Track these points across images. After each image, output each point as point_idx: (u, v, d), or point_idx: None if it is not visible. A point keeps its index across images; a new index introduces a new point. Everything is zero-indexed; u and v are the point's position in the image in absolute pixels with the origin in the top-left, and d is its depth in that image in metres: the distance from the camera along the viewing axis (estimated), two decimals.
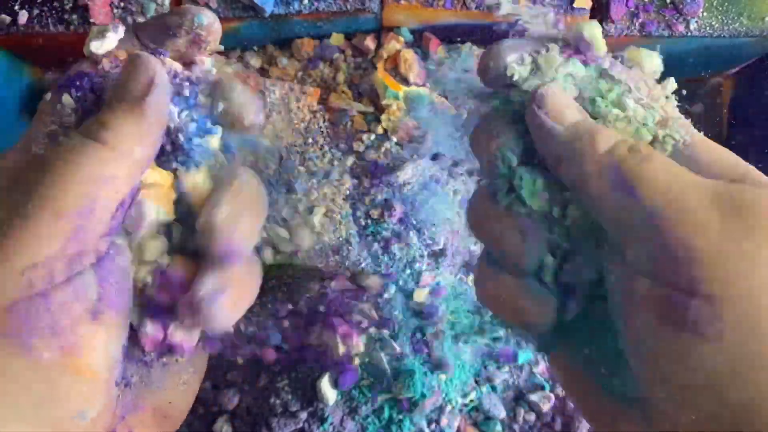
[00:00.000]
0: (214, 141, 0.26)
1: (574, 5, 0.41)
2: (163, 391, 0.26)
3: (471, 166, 0.44)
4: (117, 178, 0.22)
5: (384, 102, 0.43)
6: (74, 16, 0.39)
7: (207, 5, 0.40)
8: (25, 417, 0.20)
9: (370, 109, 0.43)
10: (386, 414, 0.41)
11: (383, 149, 0.43)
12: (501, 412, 0.43)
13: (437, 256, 0.42)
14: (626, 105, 0.25)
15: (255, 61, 0.45)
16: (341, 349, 0.41)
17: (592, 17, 0.41)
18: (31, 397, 0.20)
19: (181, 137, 0.24)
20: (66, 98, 0.24)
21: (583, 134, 0.23)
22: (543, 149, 0.25)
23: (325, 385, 0.40)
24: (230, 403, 0.42)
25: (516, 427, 0.43)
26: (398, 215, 0.42)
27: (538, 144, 0.25)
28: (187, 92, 0.25)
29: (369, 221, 0.42)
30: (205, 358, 0.29)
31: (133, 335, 0.25)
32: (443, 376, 0.42)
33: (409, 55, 0.43)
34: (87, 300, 0.21)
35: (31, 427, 0.20)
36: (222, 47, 0.28)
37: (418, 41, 0.45)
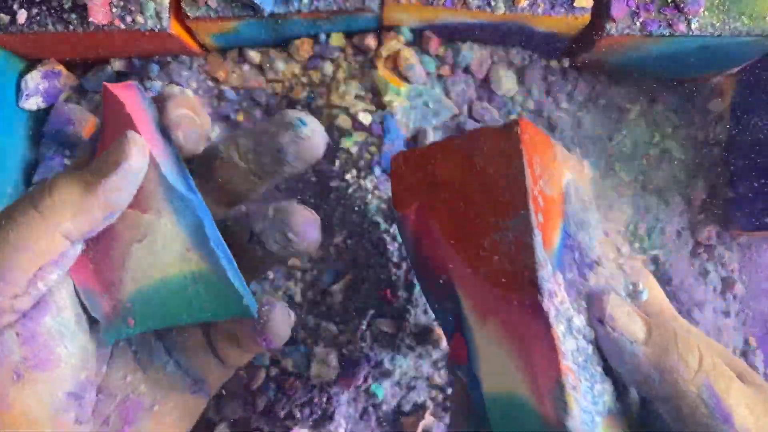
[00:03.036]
0: None
1: (575, 4, 0.40)
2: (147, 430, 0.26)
3: None
4: (37, 246, 0.22)
5: (386, 99, 0.42)
6: (73, 16, 0.39)
7: (206, 4, 0.40)
8: None
9: (372, 107, 0.43)
10: None
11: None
12: None
13: None
14: None
15: (254, 55, 0.45)
16: None
17: (592, 16, 0.41)
18: None
19: None
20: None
21: (670, 350, 0.25)
22: (623, 369, 0.26)
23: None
24: (233, 414, 0.41)
25: None
26: None
27: (617, 364, 0.26)
28: None
29: None
30: (199, 411, 0.29)
31: (111, 372, 0.25)
32: None
33: (410, 54, 0.43)
34: (8, 361, 0.22)
35: None
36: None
37: (419, 40, 0.45)
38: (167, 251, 0.25)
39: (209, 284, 0.25)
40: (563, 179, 0.28)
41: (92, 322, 0.25)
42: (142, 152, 0.23)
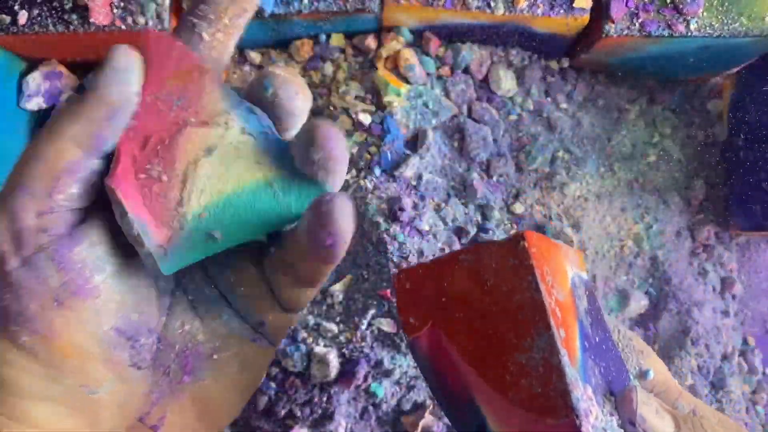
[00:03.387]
0: None
1: (574, 5, 0.41)
2: (206, 384, 0.26)
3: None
4: (47, 155, 0.23)
5: (386, 99, 0.43)
6: (74, 16, 0.39)
7: None
8: (42, 395, 0.22)
9: (372, 108, 0.43)
10: None
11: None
12: None
13: None
14: None
15: (254, 56, 0.45)
16: None
17: (592, 17, 0.41)
18: (35, 378, 0.22)
19: None
20: None
21: None
22: None
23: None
24: None
25: None
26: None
27: None
28: None
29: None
30: (263, 362, 0.29)
31: (170, 321, 0.25)
32: None
33: (409, 55, 0.43)
34: (46, 286, 0.22)
35: (52, 405, 0.22)
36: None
37: (418, 41, 0.45)
38: (239, 161, 0.25)
39: (285, 186, 0.25)
40: (568, 276, 0.28)
41: (148, 265, 0.25)
42: (125, 52, 0.24)
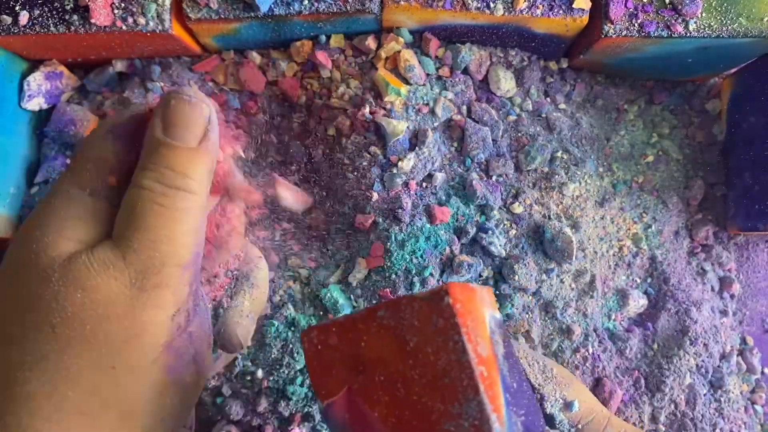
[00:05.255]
0: None
1: (573, 6, 0.41)
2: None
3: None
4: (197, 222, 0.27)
5: (386, 99, 0.43)
6: (75, 17, 0.39)
7: (207, 5, 0.40)
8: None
9: (372, 108, 0.43)
10: None
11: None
12: None
13: None
14: None
15: (255, 57, 0.45)
16: None
17: (591, 18, 0.41)
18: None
19: None
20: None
21: None
22: None
23: None
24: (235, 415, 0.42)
25: None
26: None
27: None
28: None
29: None
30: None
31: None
32: None
33: (409, 55, 0.43)
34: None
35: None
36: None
37: (418, 41, 0.45)
38: None
39: None
40: (486, 323, 0.26)
41: None
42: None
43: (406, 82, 0.43)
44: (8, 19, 0.39)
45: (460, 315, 0.23)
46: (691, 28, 0.41)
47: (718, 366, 0.46)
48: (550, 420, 0.31)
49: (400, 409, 0.24)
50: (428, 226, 0.43)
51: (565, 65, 0.47)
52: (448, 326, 0.23)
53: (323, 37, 0.44)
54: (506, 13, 0.41)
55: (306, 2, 0.40)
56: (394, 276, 0.42)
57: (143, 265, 0.25)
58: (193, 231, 0.26)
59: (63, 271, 0.24)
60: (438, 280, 0.42)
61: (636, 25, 0.41)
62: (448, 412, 0.23)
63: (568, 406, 0.30)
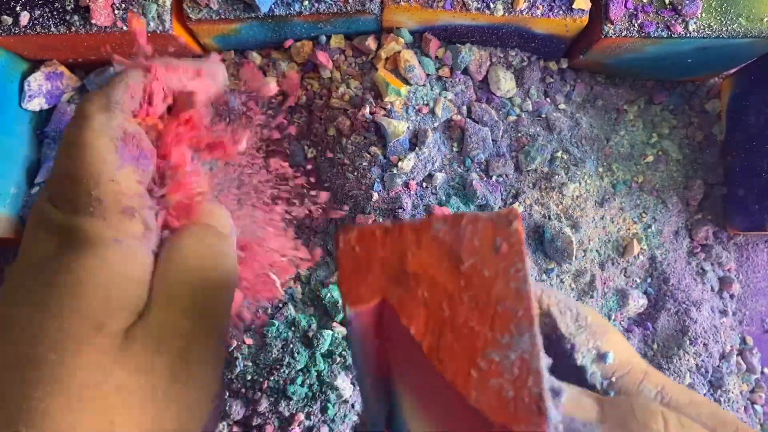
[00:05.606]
0: None
1: (573, 6, 0.41)
2: None
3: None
4: None
5: (386, 99, 0.43)
6: (75, 17, 0.39)
7: (208, 6, 0.40)
8: None
9: (372, 109, 0.43)
10: None
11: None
12: None
13: None
14: None
15: (255, 57, 0.45)
16: None
17: (591, 18, 0.41)
18: None
19: None
20: None
21: (628, 421, 0.25)
22: None
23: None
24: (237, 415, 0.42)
25: None
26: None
27: None
28: None
29: None
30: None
31: None
32: None
33: (409, 56, 0.43)
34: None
35: None
36: None
37: (418, 42, 0.45)
38: None
39: None
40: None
41: None
42: None
43: (406, 82, 0.44)
44: (9, 20, 0.39)
45: (524, 242, 0.23)
46: (690, 28, 0.41)
47: (718, 366, 0.46)
48: (579, 372, 0.29)
49: (441, 329, 0.23)
50: None
51: (565, 65, 0.47)
52: (513, 252, 0.22)
53: (323, 38, 0.44)
54: (506, 14, 0.41)
55: (306, 3, 0.40)
56: None
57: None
58: None
59: None
60: None
61: (636, 25, 0.41)
62: (496, 341, 0.22)
63: (601, 357, 0.28)
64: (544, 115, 0.47)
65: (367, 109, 0.43)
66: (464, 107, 0.45)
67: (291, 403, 0.41)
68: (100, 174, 0.26)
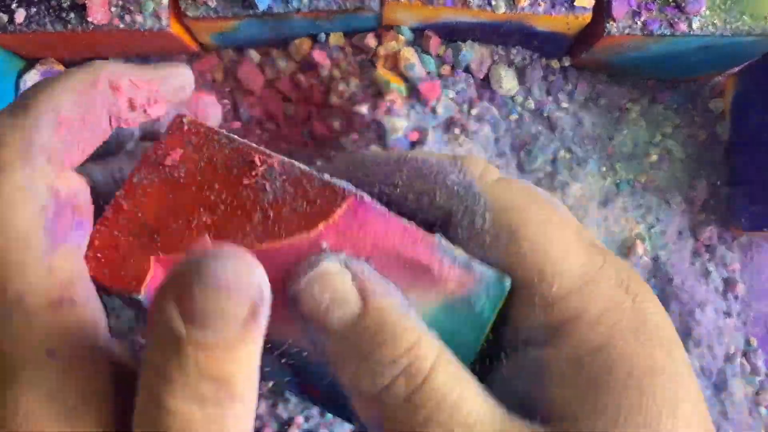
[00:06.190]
0: None
1: (575, 4, 0.40)
2: None
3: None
4: None
5: (387, 97, 0.42)
6: (72, 15, 0.39)
7: (206, 3, 0.39)
8: None
9: (371, 106, 0.43)
10: None
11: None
12: None
13: None
14: None
15: (253, 55, 0.45)
16: None
17: (593, 16, 0.41)
18: None
19: None
20: None
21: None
22: None
23: None
24: None
25: None
26: None
27: None
28: None
29: None
30: None
31: None
32: None
33: (410, 54, 0.43)
34: None
35: None
36: None
37: (419, 39, 0.44)
38: None
39: None
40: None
41: None
42: None
43: (407, 80, 0.43)
44: (4, 17, 0.39)
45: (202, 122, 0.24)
46: (694, 26, 0.41)
47: (722, 368, 0.46)
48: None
49: (219, 231, 0.23)
50: None
51: (567, 64, 0.47)
52: (201, 134, 0.24)
53: (323, 35, 0.44)
54: (508, 11, 0.40)
55: (305, 0, 0.40)
56: None
57: None
58: None
59: None
60: None
61: (639, 23, 0.41)
62: (253, 188, 0.23)
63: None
64: (546, 114, 0.46)
65: (367, 108, 0.43)
66: (465, 105, 0.45)
67: (289, 405, 0.41)
68: (19, 265, 0.17)
